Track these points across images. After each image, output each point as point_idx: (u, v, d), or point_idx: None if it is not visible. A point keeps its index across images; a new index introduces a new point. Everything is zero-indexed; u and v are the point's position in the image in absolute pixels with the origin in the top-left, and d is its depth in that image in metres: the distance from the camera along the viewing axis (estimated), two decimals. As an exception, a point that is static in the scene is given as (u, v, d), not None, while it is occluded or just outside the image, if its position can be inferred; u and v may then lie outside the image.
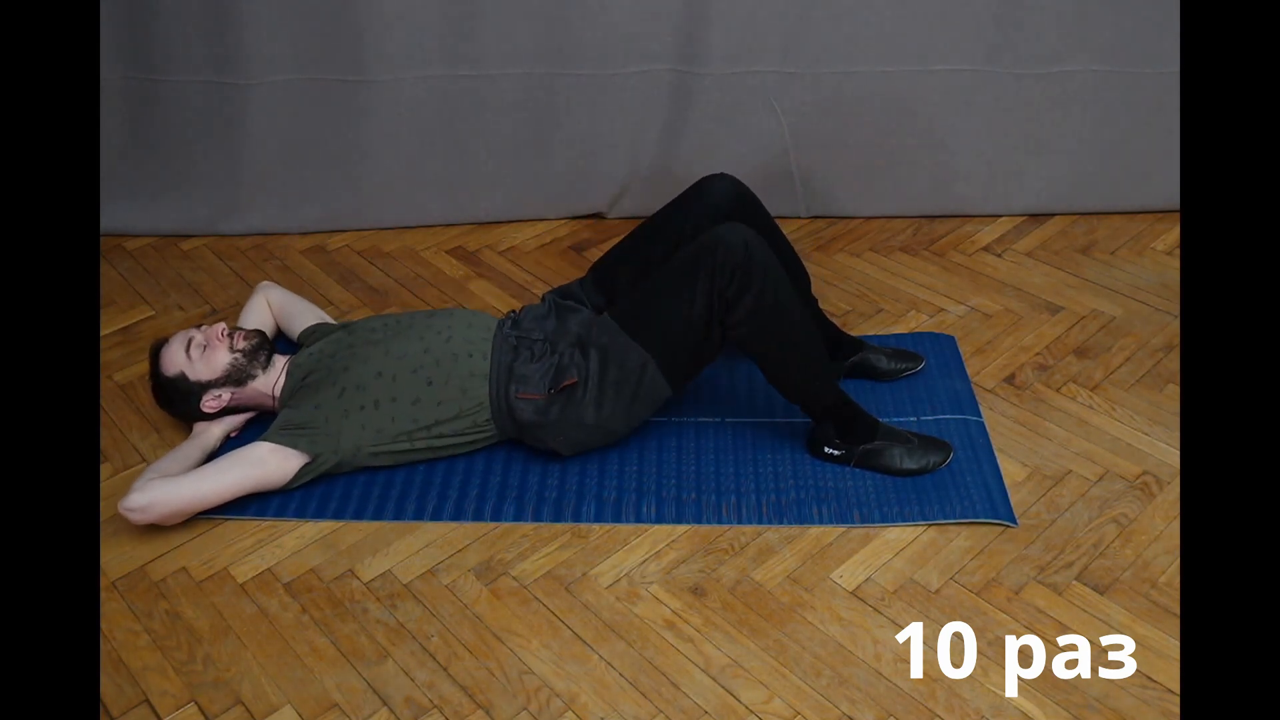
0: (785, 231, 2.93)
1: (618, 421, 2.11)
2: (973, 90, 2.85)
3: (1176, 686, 1.74)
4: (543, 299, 2.31)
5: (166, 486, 1.98)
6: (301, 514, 2.08)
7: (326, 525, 2.06)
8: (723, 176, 2.25)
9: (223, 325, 2.22)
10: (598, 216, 3.08)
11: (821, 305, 2.65)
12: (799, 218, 3.04)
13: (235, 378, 2.19)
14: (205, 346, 2.18)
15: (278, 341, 2.49)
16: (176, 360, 2.18)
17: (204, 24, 2.75)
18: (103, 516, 2.07)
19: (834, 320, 2.52)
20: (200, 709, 1.74)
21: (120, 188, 2.97)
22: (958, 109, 2.87)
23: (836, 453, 2.15)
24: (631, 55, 2.81)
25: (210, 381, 2.18)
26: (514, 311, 2.28)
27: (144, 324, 2.66)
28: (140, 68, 2.84)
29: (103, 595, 1.92)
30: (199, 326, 2.25)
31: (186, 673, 1.80)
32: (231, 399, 2.21)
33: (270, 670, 1.80)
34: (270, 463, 2.05)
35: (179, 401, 2.21)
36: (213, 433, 2.21)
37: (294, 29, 2.75)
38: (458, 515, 2.08)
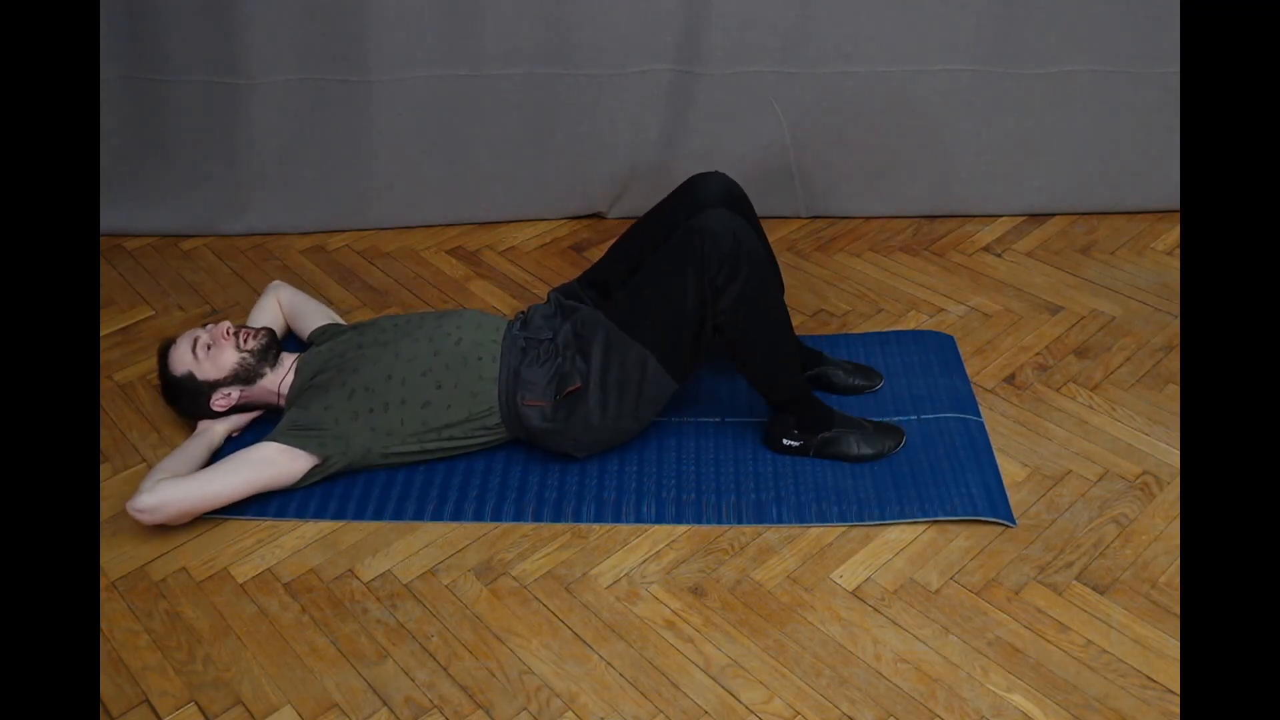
0: (785, 232, 2.96)
1: (626, 420, 2.11)
2: (973, 90, 2.85)
3: (1176, 686, 1.74)
4: (548, 298, 2.31)
5: (176, 487, 1.98)
6: (301, 514, 2.08)
7: (326, 525, 2.06)
8: (715, 174, 2.25)
9: (228, 324, 2.22)
10: (598, 216, 3.08)
11: (821, 306, 2.67)
12: (799, 218, 3.04)
13: (244, 376, 2.20)
14: (211, 346, 2.19)
15: (287, 340, 2.49)
16: (184, 360, 2.19)
17: (204, 24, 2.75)
18: (103, 516, 2.07)
19: (834, 320, 2.52)
20: (200, 709, 1.74)
21: (120, 188, 2.97)
22: (958, 109, 2.87)
23: (795, 444, 2.16)
24: (631, 55, 2.81)
25: (218, 380, 2.18)
26: (523, 312, 2.28)
27: (144, 324, 2.66)
28: (140, 68, 2.84)
29: (103, 595, 1.92)
30: (205, 326, 2.25)
31: (186, 673, 1.80)
32: (240, 397, 2.21)
33: (270, 670, 1.80)
34: (280, 463, 2.05)
35: (187, 400, 2.21)
36: (217, 431, 2.21)
37: (294, 29, 2.75)
38: (458, 515, 2.08)
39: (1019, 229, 2.97)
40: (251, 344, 2.21)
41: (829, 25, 2.76)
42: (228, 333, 2.20)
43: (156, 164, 2.96)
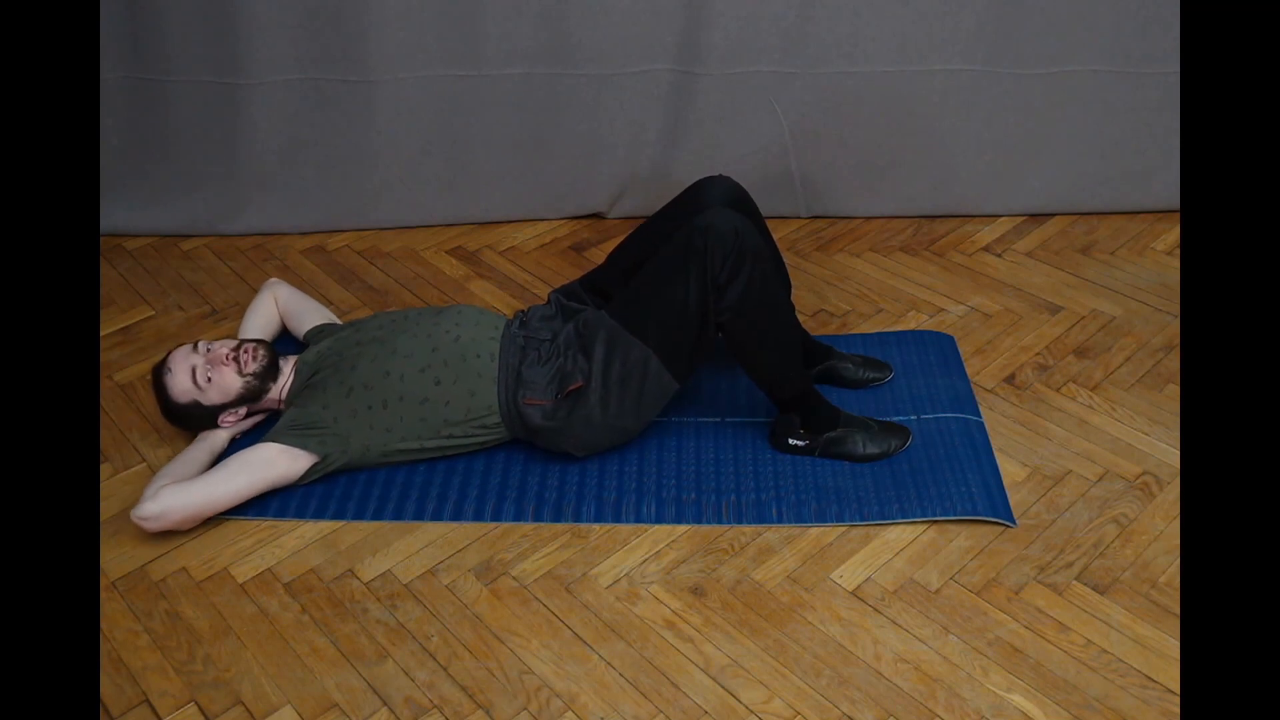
0: (785, 231, 2.96)
1: (627, 419, 2.11)
2: (973, 90, 2.85)
3: (1176, 686, 1.74)
4: (548, 299, 2.31)
5: (178, 493, 1.98)
6: (301, 514, 2.08)
7: (326, 525, 2.06)
8: (721, 178, 2.25)
9: (224, 349, 2.16)
10: (598, 216, 3.08)
11: (822, 306, 2.67)
12: (799, 218, 3.04)
13: (249, 397, 2.18)
14: (212, 374, 2.13)
15: (281, 341, 2.48)
16: (186, 390, 2.14)
17: (204, 24, 2.75)
18: (103, 516, 2.07)
19: (834, 320, 2.51)
20: (200, 709, 1.74)
21: (120, 188, 2.97)
22: (958, 109, 2.87)
23: (801, 444, 2.16)
24: (631, 55, 2.81)
25: (225, 404, 2.17)
26: (522, 312, 2.28)
27: (144, 324, 2.66)
28: (140, 68, 2.84)
29: (103, 595, 1.92)
30: (196, 346, 2.18)
31: (186, 673, 1.80)
32: (247, 412, 2.21)
33: (270, 670, 1.80)
34: (280, 464, 2.05)
35: (194, 422, 2.19)
36: (220, 434, 2.20)
37: (294, 29, 2.75)
38: (458, 515, 2.08)
39: (1019, 229, 2.97)
40: (253, 366, 2.16)
41: (829, 25, 2.76)
42: (226, 358, 2.15)
43: (156, 164, 2.96)
